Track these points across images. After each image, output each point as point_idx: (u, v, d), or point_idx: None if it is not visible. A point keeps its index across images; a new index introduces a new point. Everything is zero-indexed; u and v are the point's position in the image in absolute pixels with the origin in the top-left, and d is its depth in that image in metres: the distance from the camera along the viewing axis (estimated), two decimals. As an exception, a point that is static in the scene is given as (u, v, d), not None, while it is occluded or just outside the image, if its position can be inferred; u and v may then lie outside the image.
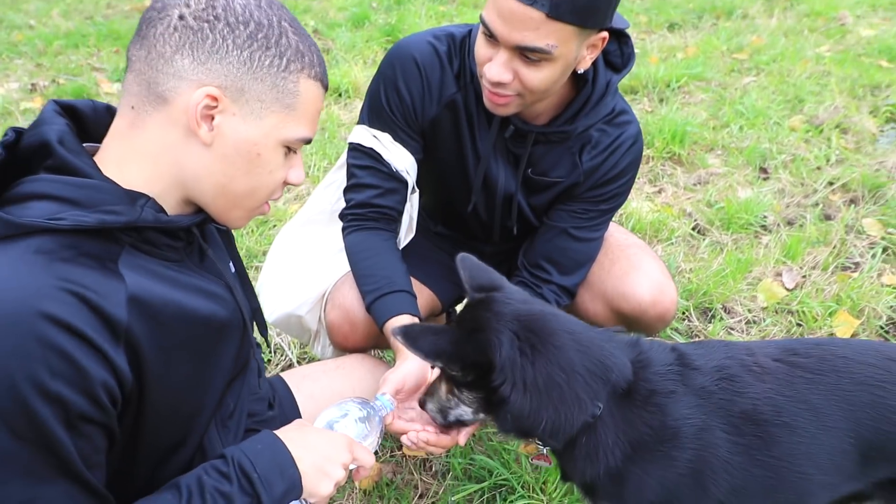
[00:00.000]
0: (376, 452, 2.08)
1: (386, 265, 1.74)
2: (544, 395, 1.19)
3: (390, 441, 2.12)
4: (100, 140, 1.05)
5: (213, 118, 0.99)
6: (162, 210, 1.03)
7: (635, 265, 1.91)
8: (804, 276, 2.76)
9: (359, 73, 4.44)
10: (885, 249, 2.84)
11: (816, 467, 1.22)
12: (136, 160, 1.00)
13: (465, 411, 1.36)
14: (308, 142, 1.09)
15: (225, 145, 1.01)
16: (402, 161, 1.74)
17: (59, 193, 0.93)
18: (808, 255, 2.85)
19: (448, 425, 1.43)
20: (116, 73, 4.78)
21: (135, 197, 0.98)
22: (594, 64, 1.66)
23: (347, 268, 1.84)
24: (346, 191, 1.82)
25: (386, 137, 1.73)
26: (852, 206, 3.12)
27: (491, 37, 1.46)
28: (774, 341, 1.37)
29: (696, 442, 1.23)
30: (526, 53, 1.44)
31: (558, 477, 1.90)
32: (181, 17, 0.96)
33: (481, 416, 1.35)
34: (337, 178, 2.03)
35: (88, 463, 0.93)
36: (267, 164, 1.05)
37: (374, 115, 1.74)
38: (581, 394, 1.21)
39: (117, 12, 6.39)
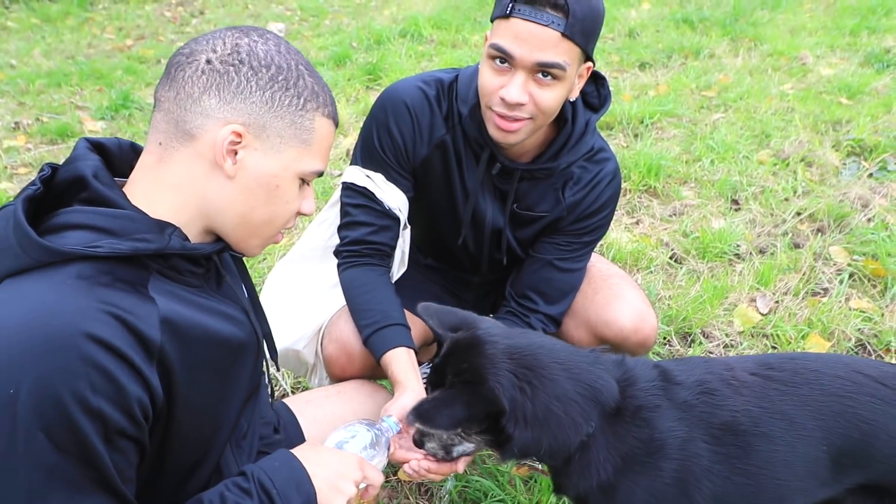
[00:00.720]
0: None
1: (381, 300, 1.83)
2: (545, 426, 1.28)
3: (386, 468, 2.17)
4: (125, 175, 1.14)
5: (236, 153, 1.07)
6: (186, 239, 1.11)
7: (617, 294, 2.02)
8: (777, 302, 2.88)
9: (342, 110, 4.56)
10: (851, 275, 2.99)
11: (793, 474, 1.31)
12: (163, 192, 1.08)
13: (468, 447, 1.44)
14: (321, 174, 1.19)
15: (247, 178, 1.09)
16: (395, 199, 1.84)
17: (94, 223, 1.01)
18: (779, 282, 2.98)
19: (450, 459, 1.50)
20: (100, 111, 4.85)
21: (163, 226, 1.06)
22: (574, 105, 1.79)
23: (342, 302, 1.92)
24: (340, 228, 1.91)
25: (379, 177, 1.83)
26: (819, 234, 3.28)
27: (503, 63, 1.58)
28: (751, 356, 1.47)
29: (681, 452, 1.32)
30: (541, 72, 1.56)
31: (551, 494, 1.97)
32: (209, 62, 1.05)
33: (484, 447, 1.43)
34: (329, 215, 2.12)
35: (123, 477, 0.99)
36: (284, 195, 1.14)
37: (367, 155, 1.84)
38: (577, 418, 1.30)
39: (99, 52, 6.48)
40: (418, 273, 2.12)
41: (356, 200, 1.85)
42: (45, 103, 5.06)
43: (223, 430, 1.24)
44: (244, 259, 1.38)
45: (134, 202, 1.07)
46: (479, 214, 1.91)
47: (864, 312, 2.76)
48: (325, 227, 2.14)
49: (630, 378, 1.39)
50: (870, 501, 1.38)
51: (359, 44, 6.14)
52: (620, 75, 5.29)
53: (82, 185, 1.04)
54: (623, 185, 3.57)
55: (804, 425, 1.30)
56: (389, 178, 1.83)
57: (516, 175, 1.83)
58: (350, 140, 4.29)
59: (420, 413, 1.26)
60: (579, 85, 1.68)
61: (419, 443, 1.48)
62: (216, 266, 1.21)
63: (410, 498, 2.08)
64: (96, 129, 4.63)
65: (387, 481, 2.14)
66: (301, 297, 2.05)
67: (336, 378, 1.90)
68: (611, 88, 1.86)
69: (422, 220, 2.00)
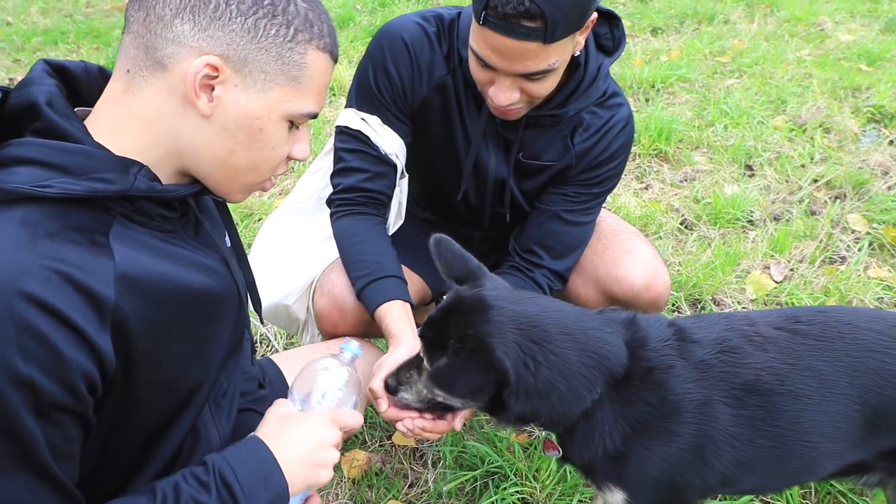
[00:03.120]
0: (365, 441, 2.04)
1: (376, 250, 1.71)
2: (545, 398, 1.19)
3: (379, 430, 2.07)
4: (92, 104, 1.00)
5: (213, 89, 0.94)
6: (156, 179, 0.97)
7: (628, 250, 1.89)
8: (791, 270, 2.76)
9: (344, 73, 4.41)
10: (870, 244, 2.86)
11: (822, 435, 1.20)
12: (129, 127, 0.95)
13: (454, 404, 1.33)
14: (314, 116, 1.04)
15: (225, 118, 0.96)
16: (391, 144, 1.71)
17: (46, 159, 0.88)
18: (794, 249, 2.85)
19: (430, 409, 1.39)
20: (97, 71, 4.73)
21: (127, 165, 0.93)
22: (586, 48, 1.65)
23: (335, 256, 1.80)
24: (333, 175, 1.78)
25: (374, 120, 1.70)
26: (837, 202, 3.14)
27: (486, 65, 1.46)
28: (775, 310, 1.35)
29: (698, 416, 1.21)
30: (529, 77, 1.45)
31: (551, 462, 1.87)
32: None
33: (474, 409, 1.33)
34: (323, 164, 1.99)
35: (57, 453, 0.87)
36: (270, 139, 1.00)
37: (362, 96, 1.71)
38: (580, 390, 1.21)
39: (97, 11, 6.33)
40: (416, 228, 2.00)
41: (350, 145, 1.72)
42: (40, 60, 4.93)
43: (201, 390, 1.10)
44: (228, 205, 1.23)
45: (96, 136, 0.94)
46: (482, 165, 1.78)
47: (883, 281, 2.63)
48: (318, 177, 2.02)
49: (641, 338, 1.28)
50: (902, 468, 1.27)
51: (363, 6, 5.96)
52: (632, 40, 5.10)
53: (35, 113, 0.91)
54: (632, 148, 3.44)
55: (836, 383, 1.18)
56: (386, 120, 1.70)
57: (522, 122, 1.70)
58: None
59: (439, 379, 1.23)
60: (583, 38, 1.53)
61: (394, 390, 1.37)
62: (193, 210, 1.08)
63: (404, 463, 1.99)
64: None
65: (380, 445, 2.05)
66: (292, 251, 1.93)
67: (328, 335, 1.79)
68: (625, 30, 1.72)
69: (420, 170, 1.87)
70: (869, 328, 1.20)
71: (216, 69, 0.92)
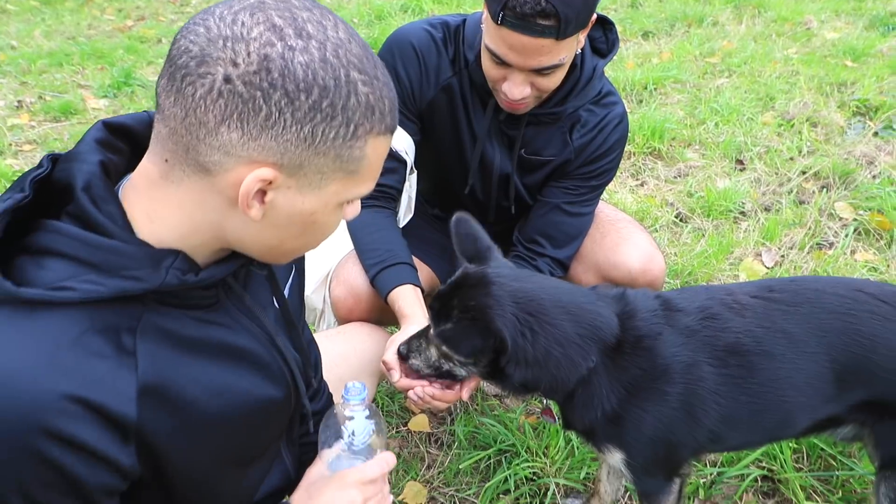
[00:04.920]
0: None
1: (387, 239, 1.85)
2: (543, 367, 1.31)
3: (395, 418, 2.20)
4: None
5: (264, 193, 0.86)
6: (193, 265, 0.92)
7: (625, 237, 2.03)
8: (782, 256, 2.89)
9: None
10: (856, 229, 2.99)
11: (797, 390, 1.33)
12: (168, 213, 0.89)
13: (459, 371, 1.47)
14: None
15: (277, 216, 0.89)
16: (401, 141, 1.85)
17: (75, 254, 0.85)
18: (785, 237, 2.99)
19: (438, 377, 1.52)
20: (102, 89, 4.87)
21: (160, 258, 0.88)
22: (582, 51, 1.80)
23: (349, 248, 1.94)
24: None
25: (385, 120, 1.85)
26: (825, 191, 3.28)
27: (500, 62, 1.61)
28: (752, 281, 1.48)
29: (685, 377, 1.34)
30: (541, 71, 1.60)
31: (559, 439, 1.99)
32: (227, 80, 0.80)
33: (480, 377, 1.46)
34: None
35: None
36: (324, 227, 0.95)
37: None
38: (576, 358, 1.33)
39: (99, 32, 6.48)
40: (425, 222, 2.14)
41: (362, 144, 1.86)
42: (47, 82, 5.07)
43: (249, 483, 1.13)
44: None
45: (133, 217, 0.89)
46: (487, 161, 1.93)
47: (869, 263, 2.77)
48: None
49: (631, 310, 1.41)
50: (871, 419, 1.40)
51: (360, 19, 6.13)
52: (624, 44, 5.25)
53: (70, 195, 0.87)
54: (627, 147, 3.58)
55: (807, 343, 1.32)
56: (395, 120, 1.84)
57: (523, 120, 1.84)
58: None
59: (445, 337, 1.33)
60: (584, 37, 1.69)
61: (405, 356, 1.51)
62: (234, 286, 1.03)
63: (420, 446, 2.11)
64: (99, 106, 4.65)
65: (397, 432, 2.18)
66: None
67: (343, 320, 1.92)
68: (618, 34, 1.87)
69: (429, 167, 2.01)
70: (834, 293, 1.34)
71: (270, 181, 0.85)
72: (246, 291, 1.04)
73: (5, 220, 0.84)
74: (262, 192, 0.86)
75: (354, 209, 0.99)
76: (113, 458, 0.86)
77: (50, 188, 0.89)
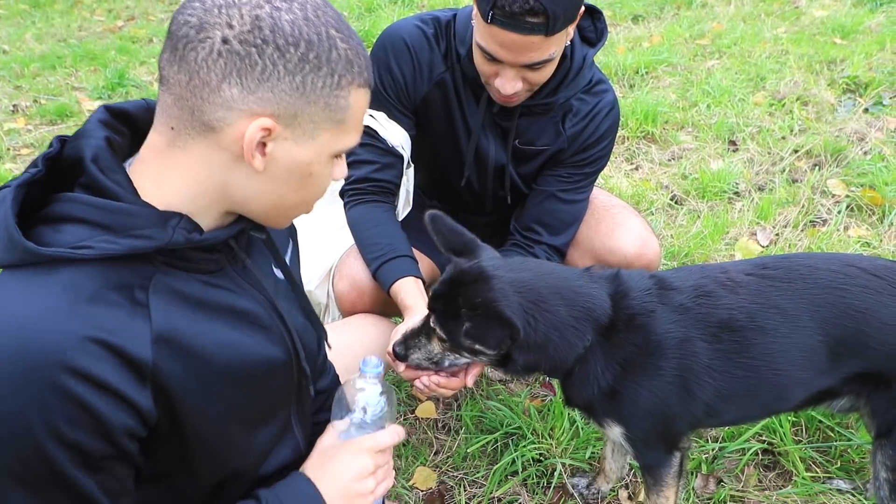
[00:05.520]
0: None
1: (388, 234, 1.88)
2: (543, 350, 1.37)
3: (403, 406, 2.25)
4: None
5: (265, 145, 0.95)
6: (196, 228, 0.99)
7: (620, 223, 2.07)
8: (777, 234, 2.93)
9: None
10: (848, 206, 3.03)
11: (790, 364, 1.37)
12: (175, 178, 0.97)
13: (460, 362, 1.51)
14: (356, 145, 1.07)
15: (277, 168, 0.97)
16: (397, 137, 1.89)
17: (89, 217, 0.92)
18: (779, 216, 3.03)
19: (438, 368, 1.56)
20: (96, 90, 4.89)
21: (166, 218, 0.96)
22: (571, 41, 1.83)
23: (351, 242, 1.98)
24: None
25: (381, 115, 1.88)
26: (817, 169, 3.32)
27: (491, 58, 1.64)
28: (746, 259, 1.52)
29: (679, 352, 1.39)
30: (532, 66, 1.63)
31: (564, 420, 2.04)
32: (225, 41, 0.89)
33: (480, 363, 1.50)
34: (335, 160, 2.17)
35: (114, 494, 0.96)
36: (319, 179, 1.03)
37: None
38: (572, 340, 1.38)
39: (90, 34, 6.48)
40: (423, 214, 2.17)
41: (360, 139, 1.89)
42: (41, 86, 5.09)
43: (258, 449, 1.17)
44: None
45: (141, 185, 0.97)
46: (482, 153, 1.96)
47: (862, 238, 2.81)
48: (330, 172, 2.19)
49: (623, 290, 1.45)
50: (865, 390, 1.44)
51: (350, 12, 6.13)
52: (614, 29, 5.28)
53: (81, 168, 0.95)
54: (620, 132, 3.61)
55: (799, 317, 1.36)
56: (391, 115, 1.88)
57: (516, 112, 1.87)
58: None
59: (472, 334, 1.36)
60: (573, 29, 1.71)
61: (403, 356, 1.53)
62: (237, 251, 1.10)
63: (429, 432, 2.16)
64: (94, 108, 4.60)
65: (405, 419, 2.22)
66: (310, 240, 2.10)
67: (347, 314, 1.96)
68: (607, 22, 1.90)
69: (426, 161, 2.04)
70: (826, 268, 1.38)
71: (269, 130, 0.93)
72: (248, 258, 1.12)
73: (22, 192, 0.93)
74: (263, 145, 0.95)
75: (342, 169, 1.08)
76: (132, 399, 0.91)
77: (61, 166, 0.98)
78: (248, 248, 1.14)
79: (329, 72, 0.94)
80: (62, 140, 1.00)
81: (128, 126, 1.05)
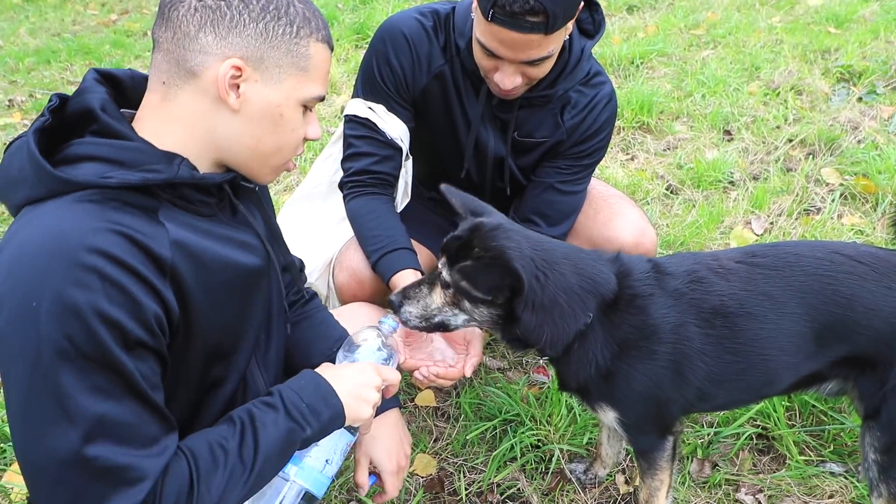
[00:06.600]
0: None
1: (387, 226, 1.91)
2: (549, 313, 1.36)
3: (403, 395, 2.28)
4: (137, 107, 1.17)
5: (238, 87, 1.11)
6: (195, 169, 1.15)
7: (617, 213, 2.11)
8: (771, 223, 2.97)
9: (334, 70, 4.60)
10: (842, 194, 3.07)
11: (779, 349, 1.41)
12: (171, 128, 1.13)
13: (453, 322, 1.48)
14: (322, 99, 1.23)
15: (251, 110, 1.13)
16: (396, 129, 1.92)
17: (105, 155, 1.06)
18: (773, 204, 3.06)
19: (428, 328, 1.51)
20: (92, 85, 4.90)
21: (171, 157, 1.11)
22: (569, 33, 1.85)
23: (350, 234, 2.01)
24: (344, 160, 1.98)
25: (380, 108, 1.91)
26: (811, 158, 3.35)
27: (492, 55, 1.67)
28: (736, 248, 1.56)
29: (673, 336, 1.42)
30: (531, 63, 1.66)
31: (562, 406, 2.08)
32: None
33: (469, 322, 1.47)
34: (333, 151, 2.19)
35: (150, 384, 1.03)
36: (289, 123, 1.18)
37: (368, 87, 1.91)
38: (577, 310, 1.38)
39: (84, 28, 6.48)
40: (422, 205, 2.21)
41: (358, 132, 1.92)
42: (36, 80, 5.10)
43: (244, 348, 1.28)
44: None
45: (143, 136, 1.11)
46: (482, 145, 1.99)
47: (855, 226, 2.85)
48: (329, 163, 2.22)
49: (626, 270, 1.48)
50: (852, 373, 1.48)
51: (344, 4, 6.13)
52: (609, 19, 5.29)
53: (92, 117, 1.09)
54: (616, 122, 3.64)
55: (787, 303, 1.40)
56: (390, 108, 1.90)
57: (515, 104, 1.90)
58: (343, 98, 4.34)
59: (465, 272, 1.37)
60: (572, 24, 1.74)
61: (398, 305, 1.51)
62: (229, 195, 1.25)
63: (428, 420, 2.20)
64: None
65: (404, 407, 2.26)
66: (311, 232, 2.14)
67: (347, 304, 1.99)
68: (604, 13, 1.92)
69: (425, 153, 2.07)
70: (812, 256, 1.41)
71: (239, 69, 1.10)
72: (239, 203, 1.27)
73: (36, 137, 1.06)
74: (237, 87, 1.11)
75: (315, 128, 1.24)
76: (159, 288, 1.03)
77: (66, 119, 1.11)
78: (239, 197, 1.28)
79: (288, 22, 1.12)
80: (61, 97, 1.13)
81: (113, 89, 1.18)
